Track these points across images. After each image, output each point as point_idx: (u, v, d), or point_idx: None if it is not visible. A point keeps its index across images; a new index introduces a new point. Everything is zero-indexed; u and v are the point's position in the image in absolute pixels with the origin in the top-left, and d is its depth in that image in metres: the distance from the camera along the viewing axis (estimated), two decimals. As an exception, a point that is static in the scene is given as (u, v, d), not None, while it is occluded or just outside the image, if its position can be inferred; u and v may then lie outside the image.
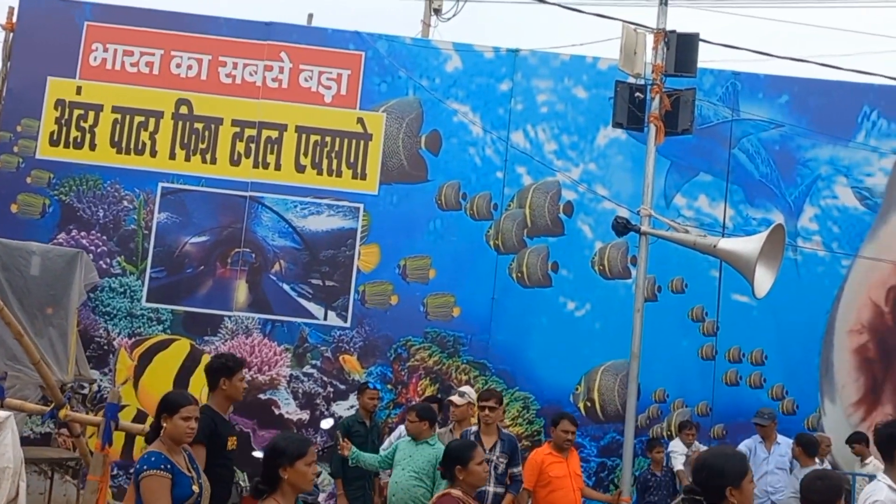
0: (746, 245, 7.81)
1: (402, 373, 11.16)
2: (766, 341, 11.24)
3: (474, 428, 7.57)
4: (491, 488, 6.97)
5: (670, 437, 10.67)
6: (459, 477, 4.62)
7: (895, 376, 11.14)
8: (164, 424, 4.73)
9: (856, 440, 9.86)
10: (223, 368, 5.69)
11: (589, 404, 11.21)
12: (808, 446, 9.09)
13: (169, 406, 4.78)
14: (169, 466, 4.63)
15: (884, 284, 11.26)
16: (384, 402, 10.81)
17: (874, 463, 9.12)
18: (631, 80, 8.93)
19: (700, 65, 11.40)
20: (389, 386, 11.09)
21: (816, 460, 9.19)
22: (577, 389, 11.26)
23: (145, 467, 4.59)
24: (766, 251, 7.64)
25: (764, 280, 7.81)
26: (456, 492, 4.59)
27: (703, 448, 9.76)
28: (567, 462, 7.73)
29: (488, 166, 11.49)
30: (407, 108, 11.51)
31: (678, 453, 9.95)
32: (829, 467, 9.75)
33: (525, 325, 11.38)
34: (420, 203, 11.38)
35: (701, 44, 10.27)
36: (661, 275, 11.34)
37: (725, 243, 8.02)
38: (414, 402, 9.40)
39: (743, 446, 9.58)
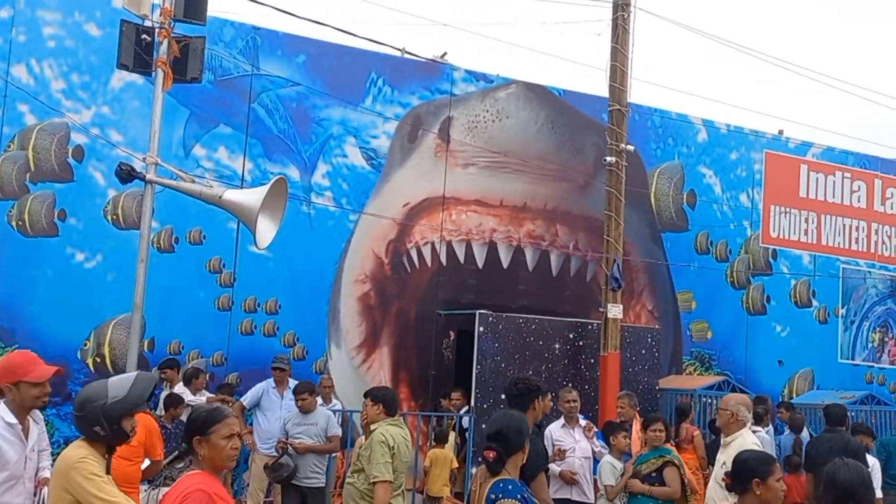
0: (250, 196, 7.75)
1: None
2: (281, 291, 11.45)
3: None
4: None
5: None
6: (756, 492, 4.11)
7: (392, 321, 12.08)
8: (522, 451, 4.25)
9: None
10: (538, 389, 5.47)
11: (99, 360, 10.49)
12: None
13: (526, 431, 4.34)
14: (527, 496, 4.14)
15: (385, 238, 12.09)
16: None
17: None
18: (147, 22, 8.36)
19: (222, 16, 11.19)
20: None
21: (320, 399, 9.60)
22: (85, 345, 10.47)
23: (501, 496, 4.06)
24: (268, 203, 7.66)
25: (266, 231, 7.84)
26: None
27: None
28: None
29: (-17, 101, 10.07)
30: None
31: (193, 401, 9.76)
32: (340, 407, 10.30)
33: (27, 278, 10.26)
34: None
35: (222, -6, 9.95)
36: (179, 226, 10.97)
37: (230, 194, 7.88)
38: None
39: (256, 388, 9.70)
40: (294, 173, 11.56)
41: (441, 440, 9.78)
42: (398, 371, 11.97)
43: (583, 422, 8.64)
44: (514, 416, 4.42)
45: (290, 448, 8.21)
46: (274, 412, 9.54)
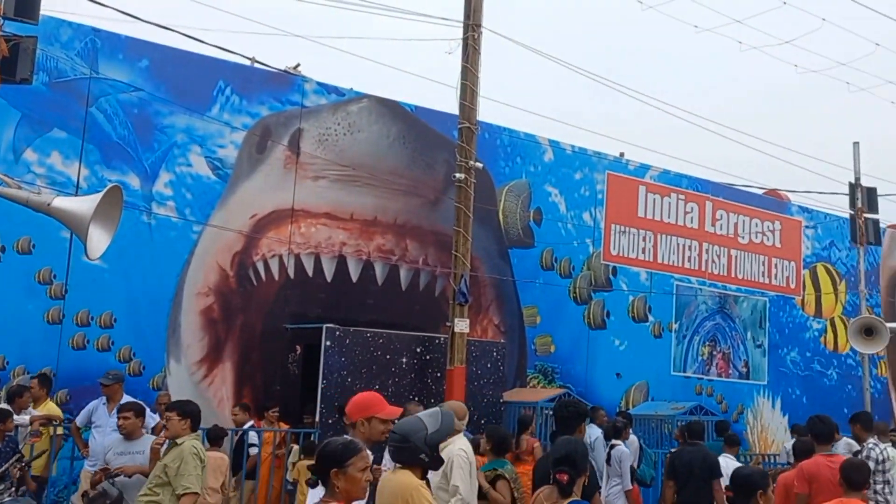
0: (81, 205, 7.40)
1: None
2: (117, 304, 10.97)
3: None
4: None
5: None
6: (760, 502, 4.61)
7: (236, 335, 11.79)
8: None
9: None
10: (586, 413, 5.90)
11: None
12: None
13: (588, 454, 4.77)
14: None
15: (230, 250, 11.81)
16: None
17: None
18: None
19: (59, 15, 10.67)
20: None
21: (155, 419, 9.24)
22: None
23: None
24: (101, 212, 7.32)
25: (99, 241, 7.50)
26: None
27: None
28: None
29: None
30: None
31: (17, 421, 9.19)
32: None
33: None
34: None
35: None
36: (7, 234, 10.34)
37: (60, 202, 7.49)
38: None
39: (89, 406, 9.28)
40: (134, 181, 11.14)
41: (310, 453, 9.78)
42: (241, 386, 11.70)
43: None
44: (578, 442, 4.83)
45: (116, 474, 7.14)
46: (103, 430, 9.11)
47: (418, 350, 11.96)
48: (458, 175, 11.82)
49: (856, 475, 5.79)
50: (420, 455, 4.58)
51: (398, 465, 4.68)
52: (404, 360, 11.78)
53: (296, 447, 10.52)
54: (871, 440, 8.43)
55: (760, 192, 18.56)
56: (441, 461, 4.80)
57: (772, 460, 14.62)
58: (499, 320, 14.26)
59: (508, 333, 14.24)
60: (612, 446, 10.42)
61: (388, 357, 11.63)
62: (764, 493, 4.66)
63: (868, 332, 13.25)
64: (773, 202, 18.46)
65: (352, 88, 13.16)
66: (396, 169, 13.18)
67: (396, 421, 4.97)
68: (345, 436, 4.40)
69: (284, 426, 10.93)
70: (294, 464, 10.21)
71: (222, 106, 11.84)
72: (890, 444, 9.47)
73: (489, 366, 12.56)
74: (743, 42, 15.98)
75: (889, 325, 13.97)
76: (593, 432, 11.54)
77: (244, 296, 11.89)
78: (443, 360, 11.83)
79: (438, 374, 11.89)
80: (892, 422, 18.74)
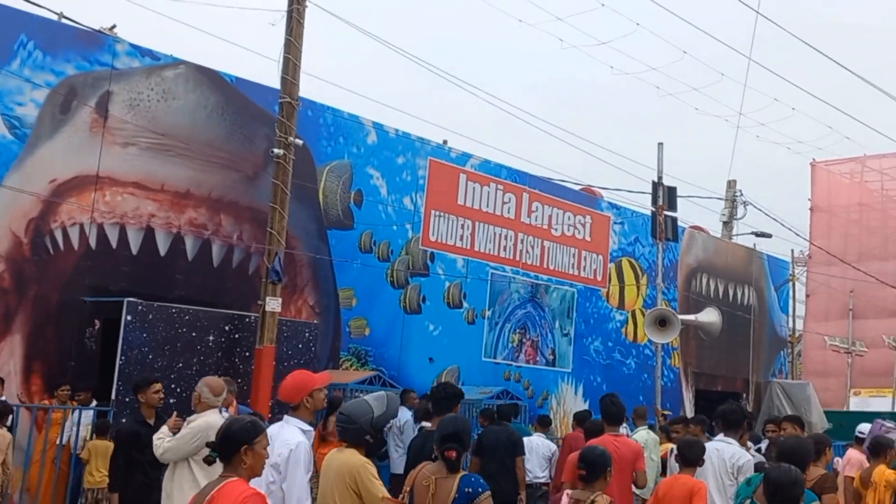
0: None
1: None
2: None
3: None
4: None
5: None
6: (607, 479, 5.20)
7: (28, 307, 11.05)
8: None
9: None
10: (462, 394, 6.53)
11: None
12: None
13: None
14: None
15: (25, 216, 11.05)
16: None
17: None
18: None
19: None
20: None
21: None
22: None
23: (479, 489, 4.71)
24: None
25: None
26: None
27: None
28: None
29: None
30: None
31: None
32: None
33: None
34: None
35: None
36: None
37: None
38: None
39: None
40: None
41: (102, 432, 9.57)
42: (32, 361, 11.00)
43: (225, 413, 8.49)
44: (464, 420, 5.22)
45: None
46: None
47: (227, 328, 11.65)
48: (276, 151, 11.58)
49: (689, 452, 6.59)
50: (365, 436, 4.90)
51: (344, 443, 4.97)
52: (211, 338, 11.44)
53: (88, 426, 10.03)
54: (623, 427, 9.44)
55: (577, 187, 19.39)
56: (384, 443, 5.35)
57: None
58: (314, 301, 14.16)
59: (323, 314, 14.17)
60: (422, 428, 10.62)
61: (193, 334, 11.26)
62: (611, 470, 5.20)
63: (662, 322, 14.14)
64: (585, 197, 19.33)
65: (173, 55, 12.62)
66: (213, 141, 12.78)
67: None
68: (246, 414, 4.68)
69: (77, 404, 10.38)
70: (85, 442, 9.76)
71: (24, 61, 11.04)
72: (645, 427, 10.28)
73: (300, 346, 12.43)
74: (564, 40, 16.59)
75: (681, 316, 14.99)
76: (404, 415, 11.70)
77: (39, 265, 11.17)
78: (252, 340, 11.58)
79: (247, 354, 11.64)
80: (681, 409, 20.16)
